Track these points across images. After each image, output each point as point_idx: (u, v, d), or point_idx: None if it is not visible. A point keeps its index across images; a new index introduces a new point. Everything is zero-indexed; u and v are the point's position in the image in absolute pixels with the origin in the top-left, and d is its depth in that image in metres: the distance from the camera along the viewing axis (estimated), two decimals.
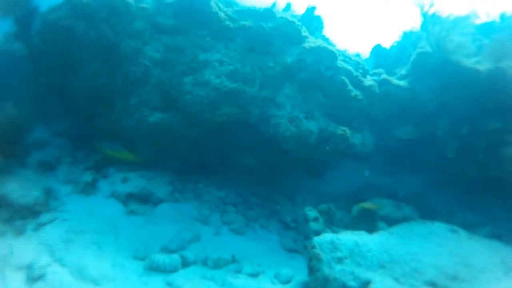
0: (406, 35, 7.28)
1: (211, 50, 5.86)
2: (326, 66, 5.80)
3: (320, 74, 5.79)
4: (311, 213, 5.43)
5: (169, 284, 4.39)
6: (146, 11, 5.86)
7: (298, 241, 5.72)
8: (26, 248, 4.41)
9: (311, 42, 6.00)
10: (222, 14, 6.02)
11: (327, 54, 5.81)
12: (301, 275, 4.68)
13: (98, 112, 5.98)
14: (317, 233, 4.99)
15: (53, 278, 4.06)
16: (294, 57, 5.91)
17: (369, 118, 6.08)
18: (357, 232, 4.48)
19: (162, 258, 4.67)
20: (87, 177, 5.74)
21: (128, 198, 5.65)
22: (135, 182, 5.76)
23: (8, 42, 7.13)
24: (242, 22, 6.06)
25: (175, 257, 4.77)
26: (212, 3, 5.99)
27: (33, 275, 4.00)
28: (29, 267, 4.09)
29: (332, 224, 5.42)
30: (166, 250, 5.02)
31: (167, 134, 5.75)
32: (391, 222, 5.15)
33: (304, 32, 6.15)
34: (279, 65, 5.86)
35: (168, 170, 6.23)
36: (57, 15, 5.74)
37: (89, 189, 5.63)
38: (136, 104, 5.69)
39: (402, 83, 6.20)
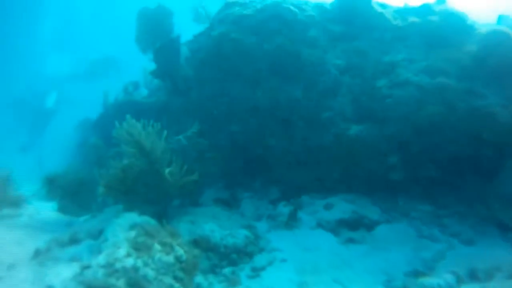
0: None
1: (392, 51, 5.34)
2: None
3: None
4: None
5: None
6: (314, 19, 5.38)
7: None
8: None
9: (481, 29, 5.60)
10: (388, 15, 5.58)
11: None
12: None
13: (273, 133, 5.28)
14: None
15: None
16: (476, 46, 5.42)
17: None
18: None
19: (434, 282, 3.80)
20: (284, 209, 4.92)
21: (337, 226, 4.80)
22: (342, 207, 4.94)
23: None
24: (411, 20, 5.63)
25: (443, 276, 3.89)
26: (374, 5, 5.58)
27: None
28: None
29: None
30: (415, 273, 4.14)
31: (364, 147, 5.03)
32: None
33: (469, 21, 5.76)
34: (467, 55, 5.34)
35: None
36: (220, 32, 5.22)
37: (291, 222, 4.79)
38: (329, 117, 5.01)
39: None
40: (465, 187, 5.27)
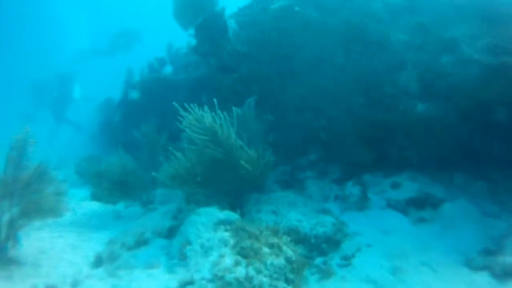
0: None
1: (453, 27, 5.21)
2: None
3: None
4: None
5: None
6: None
7: None
8: None
9: None
10: None
11: None
12: None
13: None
14: None
15: None
16: None
17: None
18: None
19: None
20: (352, 189, 4.87)
21: (407, 205, 4.82)
22: (408, 186, 4.94)
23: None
24: None
25: None
26: None
27: None
28: None
29: None
30: (488, 252, 4.25)
31: (429, 125, 5.00)
32: None
33: None
34: None
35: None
36: (281, 5, 4.88)
37: (362, 203, 4.76)
38: (395, 94, 4.90)
39: None
40: None
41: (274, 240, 3.31)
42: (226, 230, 3.34)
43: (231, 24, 5.53)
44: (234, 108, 4.26)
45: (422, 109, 4.95)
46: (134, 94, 8.34)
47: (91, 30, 26.83)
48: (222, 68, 5.42)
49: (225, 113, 4.20)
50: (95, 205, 5.99)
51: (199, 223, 3.53)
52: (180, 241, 3.50)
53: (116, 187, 5.34)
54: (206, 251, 3.17)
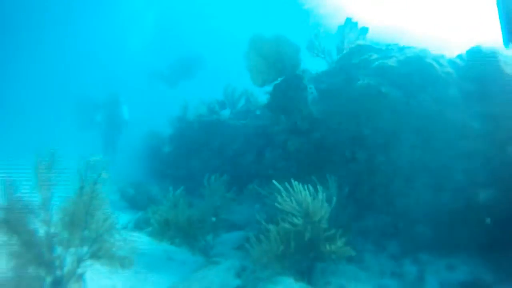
0: None
1: None
2: None
3: None
4: None
5: None
6: (452, 76, 5.30)
7: None
8: None
9: None
10: None
11: None
12: None
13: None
14: None
15: None
16: None
17: None
18: None
19: None
20: (410, 268, 4.92)
21: None
22: (462, 269, 4.97)
23: None
24: None
25: None
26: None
27: None
28: None
29: None
30: None
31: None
32: None
33: None
34: None
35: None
36: (367, 83, 5.11)
37: (417, 283, 4.79)
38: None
39: None
40: None
41: None
42: None
43: (311, 89, 5.76)
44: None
45: (486, 196, 5.01)
46: (188, 131, 8.59)
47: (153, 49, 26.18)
48: (294, 130, 5.63)
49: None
50: (145, 239, 6.10)
51: None
52: None
53: (180, 235, 5.43)
54: None
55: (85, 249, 3.58)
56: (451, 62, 5.59)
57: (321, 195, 4.26)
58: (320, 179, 4.79)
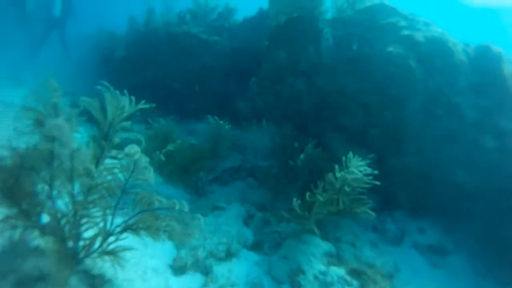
0: None
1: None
2: None
3: None
4: None
5: None
6: (464, 64, 5.75)
7: None
8: None
9: None
10: None
11: None
12: None
13: None
14: None
15: None
16: None
17: None
18: None
19: None
20: (392, 226, 5.75)
21: (425, 250, 5.86)
22: (432, 234, 5.97)
23: None
24: None
25: None
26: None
27: None
28: None
29: None
30: None
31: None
32: None
33: None
34: None
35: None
36: (392, 52, 5.30)
37: (397, 240, 5.70)
38: None
39: None
40: None
41: (383, 283, 3.91)
42: (336, 266, 3.87)
43: (327, 34, 5.66)
44: None
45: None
46: (152, 39, 7.79)
47: None
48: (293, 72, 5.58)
49: None
50: None
51: (310, 253, 3.93)
52: (289, 267, 3.83)
53: (180, 172, 5.19)
54: (325, 285, 3.66)
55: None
56: (464, 51, 5.97)
57: None
58: None
